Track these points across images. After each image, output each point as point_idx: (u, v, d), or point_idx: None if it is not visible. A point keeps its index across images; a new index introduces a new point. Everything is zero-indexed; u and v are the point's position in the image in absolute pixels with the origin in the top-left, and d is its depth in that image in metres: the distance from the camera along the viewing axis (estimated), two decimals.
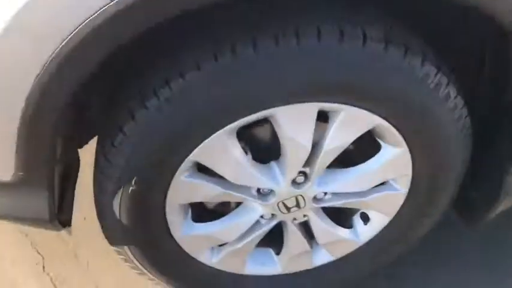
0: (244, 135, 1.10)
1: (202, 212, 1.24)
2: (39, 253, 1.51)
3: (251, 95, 0.95)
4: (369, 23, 0.96)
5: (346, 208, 1.29)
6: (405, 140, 1.09)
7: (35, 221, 1.08)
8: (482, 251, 1.59)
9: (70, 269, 1.47)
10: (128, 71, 1.02)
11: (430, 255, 1.54)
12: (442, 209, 1.27)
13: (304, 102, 0.98)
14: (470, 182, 1.31)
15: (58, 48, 0.80)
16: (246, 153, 1.12)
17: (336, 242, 1.32)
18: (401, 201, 1.24)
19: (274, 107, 0.97)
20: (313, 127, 1.03)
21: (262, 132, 1.09)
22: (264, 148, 1.11)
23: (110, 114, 1.03)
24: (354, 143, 1.08)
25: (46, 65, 0.82)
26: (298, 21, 0.92)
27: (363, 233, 1.32)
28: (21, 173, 1.00)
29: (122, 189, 1.04)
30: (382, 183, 1.21)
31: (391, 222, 1.30)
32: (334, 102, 0.99)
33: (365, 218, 1.32)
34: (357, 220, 1.32)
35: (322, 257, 1.37)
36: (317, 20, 0.92)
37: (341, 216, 1.33)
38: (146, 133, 0.97)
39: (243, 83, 0.93)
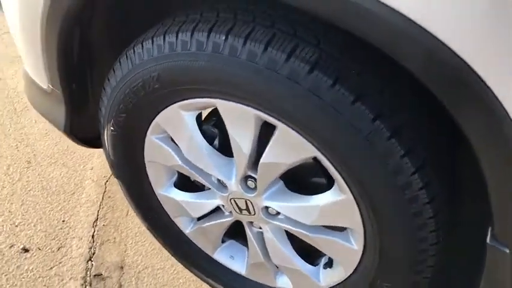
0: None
1: (189, 184, 1.35)
2: (102, 202, 1.78)
3: (188, 81, 1.01)
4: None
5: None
6: (348, 187, 0.98)
7: (57, 128, 1.36)
8: None
9: (115, 215, 1.73)
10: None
11: None
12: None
13: (238, 102, 0.99)
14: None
15: None
16: (214, 141, 1.17)
17: (296, 273, 1.25)
18: (357, 259, 1.10)
19: (211, 98, 1.01)
20: (253, 132, 1.02)
21: None
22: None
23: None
24: None
25: None
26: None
27: (324, 276, 1.22)
28: (50, 86, 1.29)
29: (106, 129, 1.23)
30: (340, 230, 1.10)
31: (350, 279, 1.16)
32: (267, 114, 0.97)
33: (330, 264, 1.22)
34: (322, 261, 1.23)
35: (284, 283, 1.31)
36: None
37: (312, 253, 1.25)
38: (115, 86, 1.13)
39: (182, 69, 0.99)
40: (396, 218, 0.95)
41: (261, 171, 1.07)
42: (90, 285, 1.50)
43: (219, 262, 1.40)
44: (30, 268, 1.54)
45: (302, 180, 1.10)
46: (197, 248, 1.41)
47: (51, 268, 1.54)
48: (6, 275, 1.51)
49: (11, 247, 1.59)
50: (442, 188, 0.92)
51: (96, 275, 1.52)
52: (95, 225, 1.67)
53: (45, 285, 1.49)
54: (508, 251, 0.84)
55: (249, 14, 0.94)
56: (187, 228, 1.38)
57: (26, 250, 1.58)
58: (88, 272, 1.53)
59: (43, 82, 1.30)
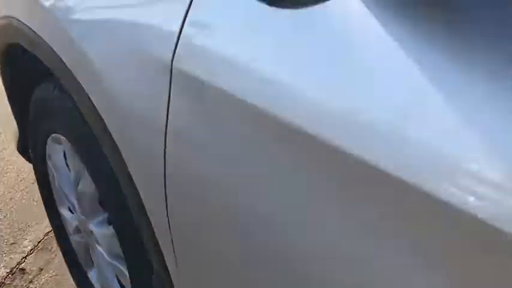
0: None
1: None
2: None
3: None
4: None
5: None
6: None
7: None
8: None
9: None
10: None
11: None
12: None
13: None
14: None
15: None
16: None
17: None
18: None
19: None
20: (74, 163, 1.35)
21: None
22: None
23: None
24: None
25: None
26: None
27: None
28: None
29: None
30: None
31: None
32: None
33: None
34: None
35: None
36: None
37: None
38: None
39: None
40: None
41: (79, 197, 1.38)
42: (13, 274, 1.89)
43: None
44: None
45: None
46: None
47: None
48: None
49: None
50: None
51: (21, 269, 1.91)
52: (46, 235, 2.07)
53: None
54: None
55: None
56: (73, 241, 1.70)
57: None
58: (18, 266, 1.93)
59: None
